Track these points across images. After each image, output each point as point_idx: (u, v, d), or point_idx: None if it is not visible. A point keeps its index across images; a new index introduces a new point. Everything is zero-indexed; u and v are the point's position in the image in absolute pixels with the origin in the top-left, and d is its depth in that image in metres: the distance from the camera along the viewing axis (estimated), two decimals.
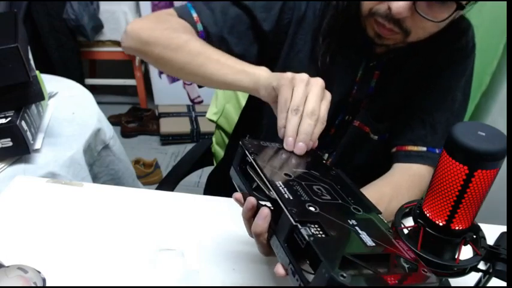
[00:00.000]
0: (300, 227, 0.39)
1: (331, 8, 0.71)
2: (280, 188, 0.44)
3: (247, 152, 0.51)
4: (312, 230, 0.39)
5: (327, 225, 0.40)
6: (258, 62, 0.68)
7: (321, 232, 0.39)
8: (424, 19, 0.60)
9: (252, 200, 0.47)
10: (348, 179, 0.52)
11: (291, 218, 0.40)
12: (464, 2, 0.60)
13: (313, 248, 0.36)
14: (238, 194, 0.51)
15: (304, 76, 0.56)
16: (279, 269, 0.41)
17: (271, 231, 0.44)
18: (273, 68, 0.66)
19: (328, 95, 0.56)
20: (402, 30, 0.63)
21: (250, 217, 0.47)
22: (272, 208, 0.45)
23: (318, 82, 0.56)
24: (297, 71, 0.58)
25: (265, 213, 0.44)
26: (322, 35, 0.72)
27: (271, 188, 0.45)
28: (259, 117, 0.85)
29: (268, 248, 0.46)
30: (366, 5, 0.64)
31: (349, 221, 0.42)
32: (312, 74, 0.57)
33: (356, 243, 0.39)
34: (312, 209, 0.42)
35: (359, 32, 0.69)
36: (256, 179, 0.49)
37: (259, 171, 0.47)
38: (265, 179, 0.46)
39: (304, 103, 0.54)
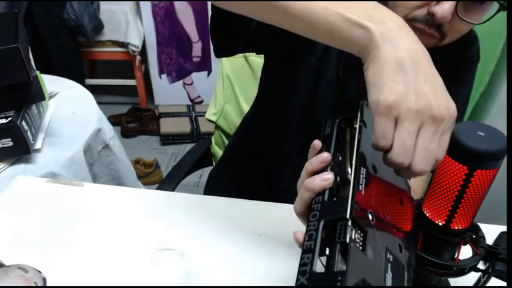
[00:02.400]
0: (349, 224, 0.37)
1: None
2: (361, 176, 0.41)
3: (359, 117, 0.45)
4: (356, 236, 0.37)
5: (370, 242, 0.38)
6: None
7: (361, 244, 0.37)
8: (461, 22, 0.60)
9: (328, 156, 0.44)
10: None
11: (348, 210, 0.37)
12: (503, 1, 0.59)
13: (348, 255, 0.35)
14: (319, 142, 0.47)
15: (413, 106, 0.38)
16: (299, 236, 0.41)
17: (320, 199, 0.42)
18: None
19: (449, 131, 0.40)
20: (441, 34, 0.62)
21: (314, 169, 0.45)
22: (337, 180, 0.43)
23: (438, 118, 0.39)
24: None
25: (329, 176, 0.42)
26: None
27: (352, 169, 0.41)
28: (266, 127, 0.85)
29: (305, 208, 0.44)
30: (400, 12, 0.62)
31: (388, 253, 0.40)
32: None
33: (378, 279, 0.37)
34: (370, 217, 0.40)
35: None
36: (346, 145, 0.45)
37: (355, 145, 0.43)
38: (355, 157, 0.42)
39: (413, 153, 0.39)
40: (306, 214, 0.45)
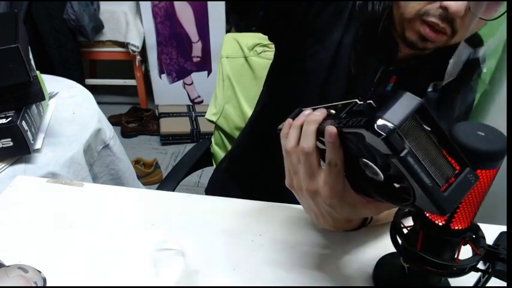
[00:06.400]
0: (362, 101, 0.44)
1: (365, 14, 0.71)
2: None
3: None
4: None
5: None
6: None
7: None
8: (473, 18, 0.60)
9: (310, 111, 0.51)
10: None
11: (357, 98, 0.46)
12: None
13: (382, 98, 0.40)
14: (290, 119, 0.54)
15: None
16: (331, 128, 0.45)
17: (327, 117, 0.49)
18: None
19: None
20: (452, 30, 0.62)
21: (301, 123, 0.51)
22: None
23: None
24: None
25: (323, 110, 0.50)
26: (360, 43, 0.73)
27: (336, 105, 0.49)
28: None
29: (314, 141, 0.49)
30: (411, 8, 0.63)
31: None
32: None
33: None
34: None
35: (389, 37, 0.70)
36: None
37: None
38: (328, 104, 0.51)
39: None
40: (315, 148, 0.49)
